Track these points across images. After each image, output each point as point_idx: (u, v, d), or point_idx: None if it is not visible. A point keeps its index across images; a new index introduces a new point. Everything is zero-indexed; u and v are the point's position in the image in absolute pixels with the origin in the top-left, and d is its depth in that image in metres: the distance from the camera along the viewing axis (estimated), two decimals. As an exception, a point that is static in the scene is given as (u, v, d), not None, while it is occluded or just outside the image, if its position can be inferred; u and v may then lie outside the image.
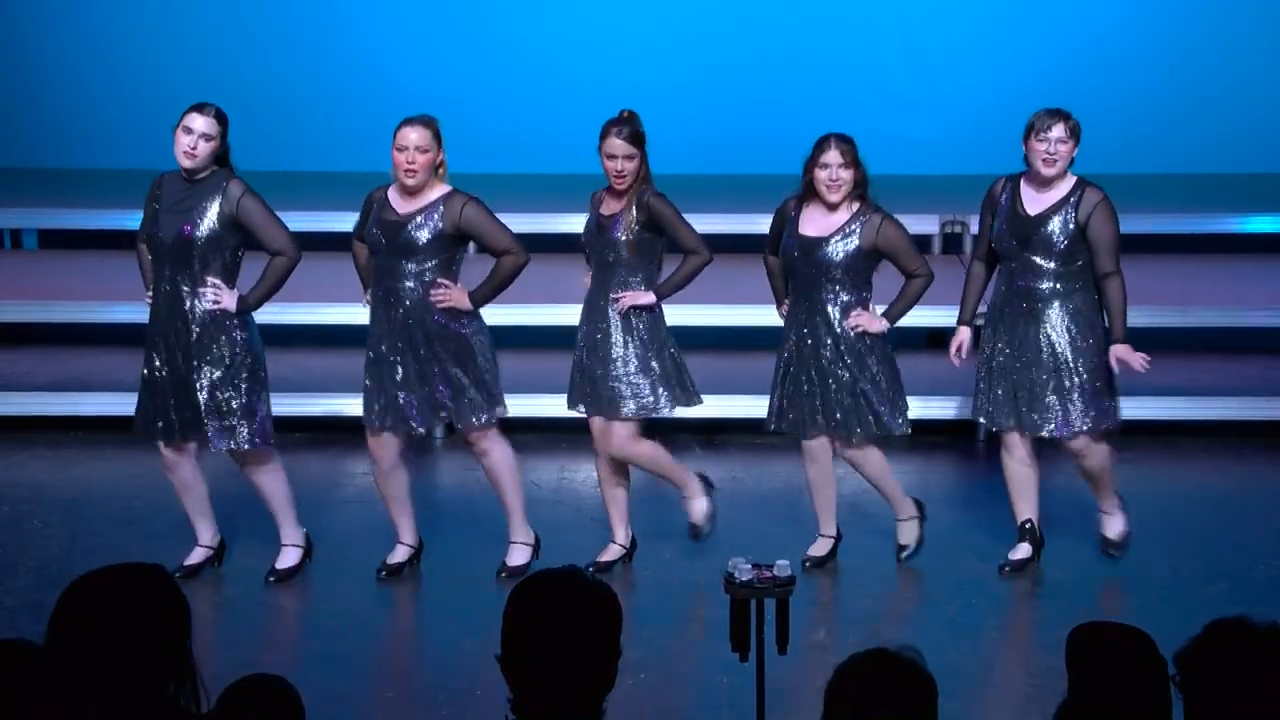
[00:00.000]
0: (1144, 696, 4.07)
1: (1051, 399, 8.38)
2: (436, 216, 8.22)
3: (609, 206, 8.40)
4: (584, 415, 8.58)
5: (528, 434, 10.23)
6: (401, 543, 8.57)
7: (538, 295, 10.92)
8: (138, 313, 10.49)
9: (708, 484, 8.72)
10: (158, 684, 3.62)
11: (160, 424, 8.30)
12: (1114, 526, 8.70)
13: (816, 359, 8.39)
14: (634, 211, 8.29)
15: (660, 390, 8.44)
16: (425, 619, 8.35)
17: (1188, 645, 3.98)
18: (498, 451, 8.46)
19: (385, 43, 13.83)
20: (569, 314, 10.83)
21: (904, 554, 8.66)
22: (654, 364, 8.43)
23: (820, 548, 8.66)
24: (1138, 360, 8.30)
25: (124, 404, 10.41)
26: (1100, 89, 13.25)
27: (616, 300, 8.37)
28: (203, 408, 8.21)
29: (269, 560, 8.51)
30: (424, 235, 8.21)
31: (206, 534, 8.57)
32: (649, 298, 8.38)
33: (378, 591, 8.42)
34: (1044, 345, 8.37)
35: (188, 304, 8.16)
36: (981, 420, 8.68)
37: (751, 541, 8.58)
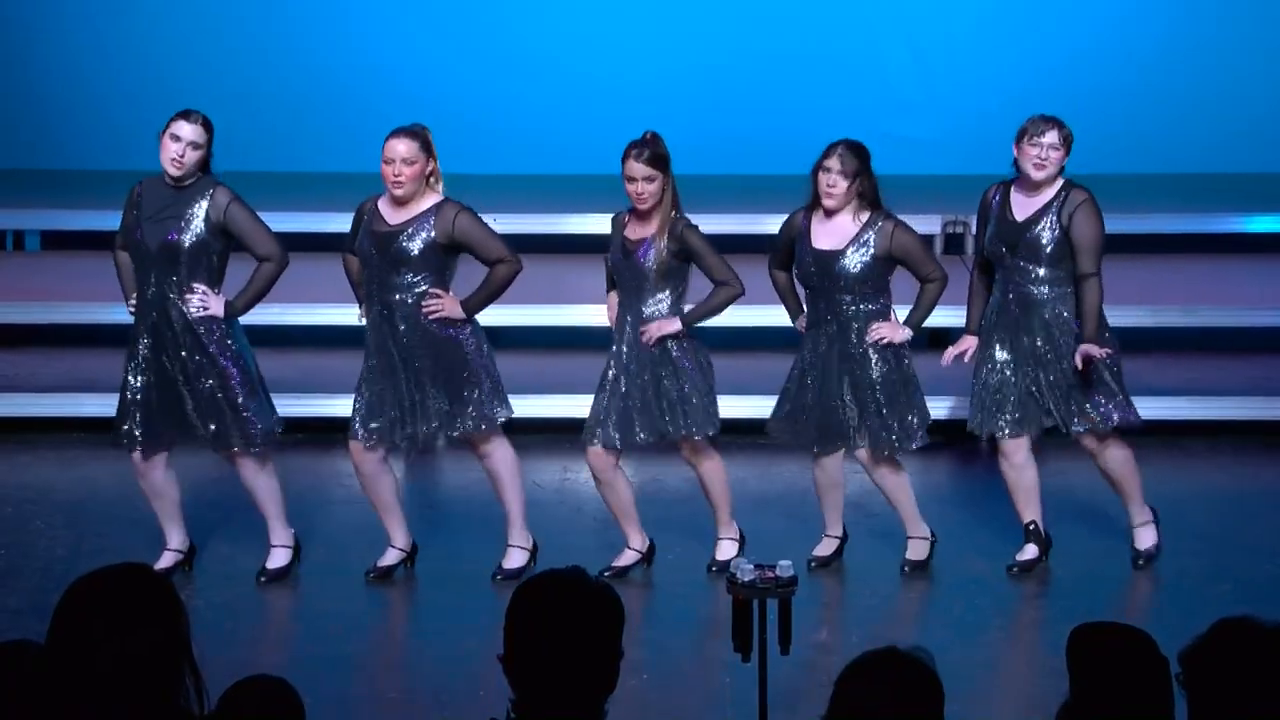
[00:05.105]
0: (1145, 696, 4.07)
1: (1055, 399, 8.37)
2: (428, 226, 8.19)
3: (635, 230, 8.33)
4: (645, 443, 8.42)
5: (529, 434, 10.24)
6: (393, 546, 8.54)
7: (539, 296, 10.93)
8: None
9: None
10: (159, 685, 3.63)
11: (141, 431, 8.27)
12: (1144, 539, 8.64)
13: (840, 372, 8.33)
14: (665, 240, 8.24)
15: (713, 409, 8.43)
16: (426, 620, 8.35)
17: (1193, 644, 3.99)
18: (499, 453, 8.45)
19: (386, 44, 13.82)
20: (570, 315, 10.92)
21: (906, 567, 8.57)
22: (702, 382, 8.40)
23: (826, 548, 8.64)
24: (1100, 352, 8.23)
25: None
26: (1100, 89, 13.25)
27: (644, 331, 8.31)
28: (194, 413, 8.21)
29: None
30: (416, 246, 8.19)
31: (176, 538, 8.51)
32: (674, 325, 8.30)
33: (378, 593, 8.43)
34: (1040, 349, 8.35)
35: (174, 310, 8.16)
36: (979, 433, 8.62)
37: (754, 542, 8.58)
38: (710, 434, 8.44)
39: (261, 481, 8.41)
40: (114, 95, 13.67)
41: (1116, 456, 8.49)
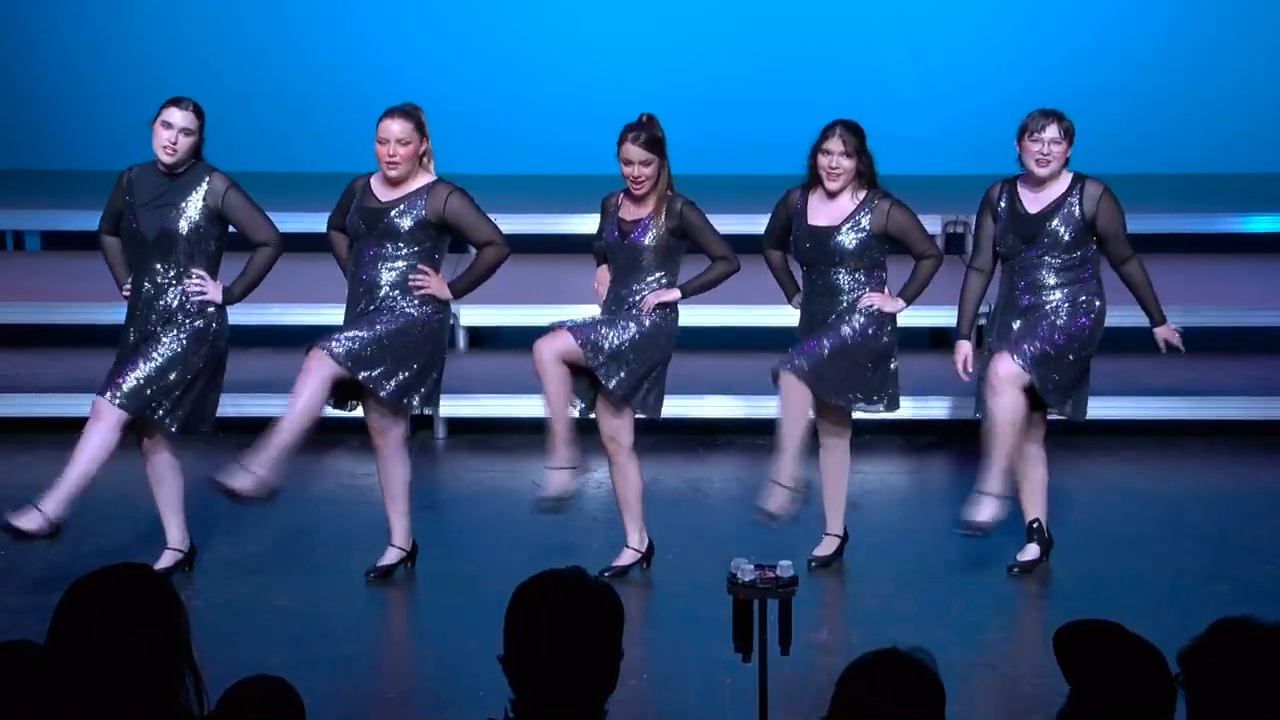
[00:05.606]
0: (1144, 697, 4.06)
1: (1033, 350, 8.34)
2: (420, 205, 8.21)
3: (630, 211, 8.36)
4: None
5: (529, 434, 10.24)
6: (392, 545, 8.52)
7: (539, 296, 10.94)
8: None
9: (577, 466, 8.55)
10: (159, 685, 3.63)
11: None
12: (984, 511, 8.32)
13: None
14: (663, 218, 8.27)
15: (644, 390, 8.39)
16: (427, 620, 8.35)
17: (1192, 644, 3.99)
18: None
19: (386, 44, 13.84)
20: (569, 315, 10.89)
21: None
22: (653, 365, 8.38)
23: (826, 547, 8.64)
24: (1178, 339, 8.56)
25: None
26: (1100, 89, 13.25)
27: (640, 303, 8.31)
28: (148, 381, 8.14)
29: (269, 562, 8.53)
30: (406, 223, 8.20)
31: (176, 536, 8.45)
32: (674, 294, 8.34)
33: (378, 593, 8.43)
34: (1033, 331, 8.35)
35: (169, 297, 8.15)
36: (981, 417, 8.64)
37: (754, 542, 8.58)
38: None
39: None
40: (114, 95, 13.68)
41: (1004, 405, 8.29)
